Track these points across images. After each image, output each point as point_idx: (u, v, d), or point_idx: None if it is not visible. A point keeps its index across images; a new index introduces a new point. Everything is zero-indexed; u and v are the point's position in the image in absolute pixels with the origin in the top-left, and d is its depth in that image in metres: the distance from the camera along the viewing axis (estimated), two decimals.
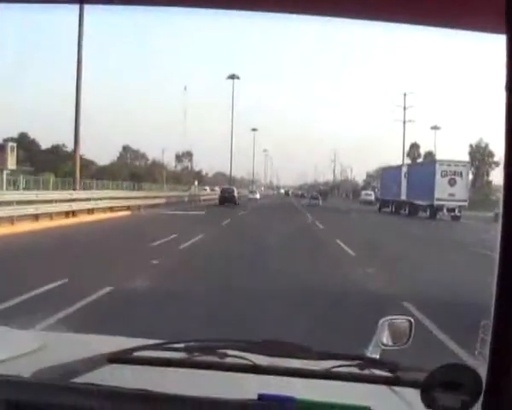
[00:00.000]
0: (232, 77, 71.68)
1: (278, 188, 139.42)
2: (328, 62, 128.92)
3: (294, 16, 1.49)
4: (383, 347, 2.22)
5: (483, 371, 1.40)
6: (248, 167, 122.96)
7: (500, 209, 1.33)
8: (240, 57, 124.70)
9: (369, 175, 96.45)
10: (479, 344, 1.90)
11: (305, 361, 1.85)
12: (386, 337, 2.22)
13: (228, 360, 1.79)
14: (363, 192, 79.30)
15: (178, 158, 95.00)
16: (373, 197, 70.84)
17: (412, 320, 2.28)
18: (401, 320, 2.30)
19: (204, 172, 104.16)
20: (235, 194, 52.37)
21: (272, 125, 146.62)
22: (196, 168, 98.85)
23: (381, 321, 2.25)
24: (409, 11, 1.40)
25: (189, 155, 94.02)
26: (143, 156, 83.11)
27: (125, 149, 79.57)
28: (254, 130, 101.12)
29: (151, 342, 1.92)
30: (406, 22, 1.45)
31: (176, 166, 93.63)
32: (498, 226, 1.32)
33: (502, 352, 1.33)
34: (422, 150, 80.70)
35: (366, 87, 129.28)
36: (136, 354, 1.81)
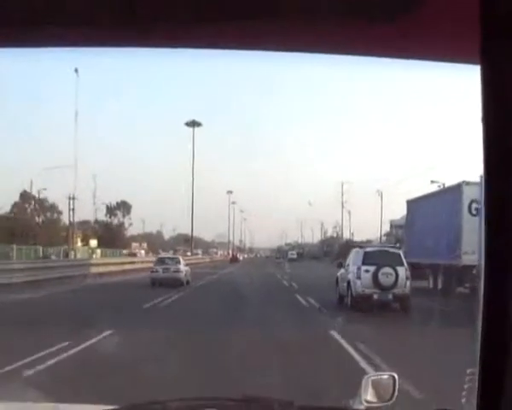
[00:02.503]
0: (193, 124, 60.04)
1: (252, 251, 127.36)
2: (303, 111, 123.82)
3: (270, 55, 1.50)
4: (367, 404, 2.18)
5: None
6: (220, 230, 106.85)
7: (482, 260, 1.35)
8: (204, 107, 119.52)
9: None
10: (465, 392, 1.87)
11: None
12: (370, 394, 2.18)
13: None
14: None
15: (110, 210, 75.45)
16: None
17: (396, 376, 2.25)
18: (384, 377, 2.26)
19: (154, 232, 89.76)
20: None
21: (247, 187, 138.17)
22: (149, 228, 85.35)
23: (365, 378, 2.21)
24: (381, 44, 1.41)
25: (124, 206, 75.60)
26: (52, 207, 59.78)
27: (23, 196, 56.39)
28: (229, 192, 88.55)
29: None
30: (379, 56, 1.48)
31: (109, 221, 75.25)
32: (481, 276, 1.32)
33: (490, 399, 1.30)
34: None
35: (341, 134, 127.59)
36: None
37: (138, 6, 1.32)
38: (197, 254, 62.94)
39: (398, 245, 27.16)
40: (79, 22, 1.34)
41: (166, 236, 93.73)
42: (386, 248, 21.97)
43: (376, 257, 19.43)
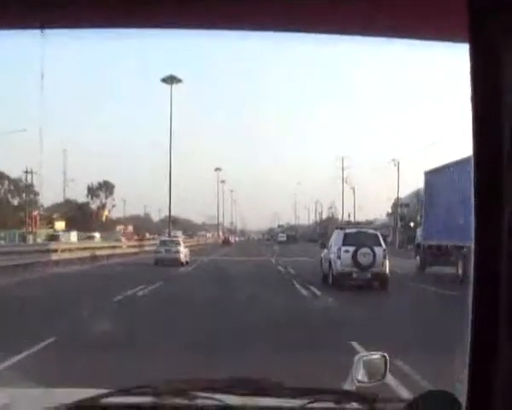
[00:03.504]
0: (170, 80, 49.83)
1: (243, 233, 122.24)
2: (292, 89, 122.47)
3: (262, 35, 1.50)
4: (358, 383, 2.19)
5: (462, 397, 1.39)
6: (210, 211, 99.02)
7: (472, 242, 1.35)
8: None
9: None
10: (456, 371, 1.89)
11: (279, 399, 1.81)
12: (361, 374, 2.20)
13: (198, 401, 1.73)
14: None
15: (91, 191, 71.87)
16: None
17: (387, 356, 2.26)
18: (376, 356, 2.28)
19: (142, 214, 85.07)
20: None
21: (238, 164, 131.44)
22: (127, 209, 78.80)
23: (356, 357, 2.23)
24: (367, 23, 1.42)
25: (106, 186, 71.42)
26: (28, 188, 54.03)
27: None
28: (218, 169, 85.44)
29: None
30: (367, 35, 1.49)
31: (90, 204, 71.91)
32: (471, 261, 1.34)
33: (480, 378, 1.31)
34: None
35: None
36: (103, 400, 1.74)
37: None
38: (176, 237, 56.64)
39: (404, 224, 28.27)
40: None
41: (156, 218, 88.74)
42: (364, 230, 23.21)
43: (355, 238, 20.73)
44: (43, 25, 1.41)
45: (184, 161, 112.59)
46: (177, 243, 32.91)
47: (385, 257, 20.15)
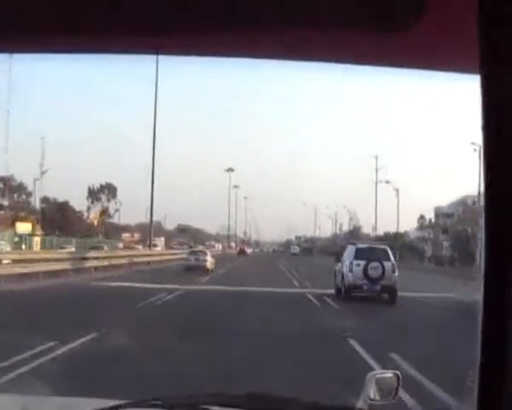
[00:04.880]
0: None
1: (258, 244, 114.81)
2: (308, 110, 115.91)
3: (275, 62, 1.56)
4: (370, 401, 2.21)
5: None
6: (225, 221, 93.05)
7: (482, 263, 1.33)
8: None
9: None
10: (466, 392, 1.92)
11: None
12: (373, 392, 2.22)
13: None
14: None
15: (92, 194, 65.20)
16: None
17: (399, 374, 2.29)
18: (388, 375, 2.30)
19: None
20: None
21: (253, 169, 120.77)
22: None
23: (368, 375, 2.25)
24: (382, 54, 1.44)
25: (109, 189, 64.51)
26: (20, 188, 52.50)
27: None
28: (230, 170, 79.12)
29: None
30: (376, 65, 1.53)
31: (89, 209, 64.98)
32: (481, 280, 1.37)
33: (489, 400, 1.33)
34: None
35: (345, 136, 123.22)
36: None
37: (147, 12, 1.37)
38: (155, 246, 54.20)
39: (455, 237, 27.34)
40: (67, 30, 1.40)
41: (170, 226, 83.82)
42: (375, 245, 25.12)
43: (366, 253, 22.42)
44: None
45: (197, 168, 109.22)
46: (205, 253, 38.07)
47: (393, 271, 21.54)
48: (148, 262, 41.17)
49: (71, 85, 78.38)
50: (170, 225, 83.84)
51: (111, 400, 2.06)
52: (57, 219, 53.76)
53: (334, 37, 1.38)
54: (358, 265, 21.58)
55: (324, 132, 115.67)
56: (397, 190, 60.06)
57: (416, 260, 55.96)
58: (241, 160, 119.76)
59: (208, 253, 38.93)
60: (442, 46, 1.38)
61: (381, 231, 69.07)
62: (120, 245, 55.65)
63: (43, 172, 52.30)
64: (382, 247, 23.84)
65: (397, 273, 21.63)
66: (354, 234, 74.43)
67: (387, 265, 21.61)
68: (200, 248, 45.63)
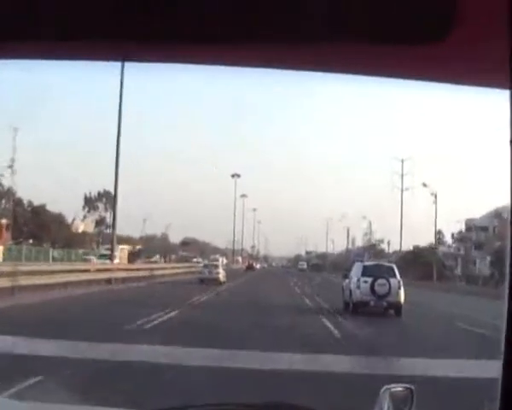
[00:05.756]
0: None
1: (266, 259, 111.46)
2: (324, 122, 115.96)
3: (285, 73, 1.58)
4: None
5: None
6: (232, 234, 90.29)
7: (506, 285, 1.35)
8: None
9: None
10: (487, 400, 1.91)
11: None
12: (387, 406, 2.23)
13: None
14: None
15: (89, 202, 60.90)
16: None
17: (413, 388, 2.29)
18: (402, 389, 2.31)
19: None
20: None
21: (262, 179, 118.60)
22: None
23: (382, 390, 2.25)
24: (409, 66, 1.45)
25: (107, 197, 58.34)
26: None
27: None
28: (236, 176, 77.95)
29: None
30: (405, 78, 1.55)
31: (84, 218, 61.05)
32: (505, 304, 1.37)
33: None
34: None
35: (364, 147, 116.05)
36: None
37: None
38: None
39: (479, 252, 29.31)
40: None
41: (175, 239, 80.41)
42: (381, 263, 26.55)
43: (373, 270, 23.57)
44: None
45: (205, 180, 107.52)
46: (217, 267, 42.24)
47: (399, 288, 22.58)
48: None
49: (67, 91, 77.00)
50: (176, 239, 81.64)
51: (122, 409, 2.05)
52: (30, 225, 47.59)
53: (360, 49, 1.40)
54: (366, 281, 22.52)
55: (341, 139, 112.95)
56: (435, 195, 53.14)
57: (443, 278, 51.68)
58: (250, 169, 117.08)
59: (220, 266, 43.73)
60: (471, 60, 1.40)
61: (404, 245, 62.84)
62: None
63: (10, 166, 46.29)
64: (388, 264, 25.09)
65: (402, 290, 22.66)
66: (370, 249, 70.50)
67: (393, 282, 22.59)
68: (212, 261, 48.98)
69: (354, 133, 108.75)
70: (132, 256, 55.17)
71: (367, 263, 24.99)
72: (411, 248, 62.57)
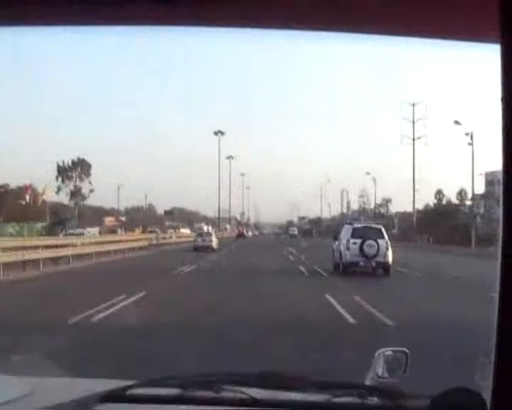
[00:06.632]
0: None
1: (257, 227, 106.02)
2: (322, 79, 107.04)
3: (282, 31, 1.55)
4: (379, 379, 2.23)
5: (487, 394, 1.43)
6: (222, 204, 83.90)
7: (499, 242, 1.35)
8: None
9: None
10: (479, 368, 1.93)
11: (304, 393, 1.86)
12: (381, 369, 2.24)
13: (224, 394, 1.78)
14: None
15: (62, 172, 57.01)
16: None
17: (407, 352, 2.31)
18: (396, 352, 2.32)
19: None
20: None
21: (250, 140, 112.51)
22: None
23: (376, 353, 2.27)
24: (401, 23, 1.46)
25: (81, 165, 55.66)
26: None
27: None
28: (220, 133, 72.44)
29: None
30: (399, 34, 1.52)
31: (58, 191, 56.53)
32: (498, 259, 1.34)
33: (505, 375, 1.34)
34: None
35: (363, 105, 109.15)
36: (129, 392, 1.79)
37: None
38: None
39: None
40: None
41: (161, 210, 78.94)
42: (369, 225, 26.95)
43: (362, 232, 24.34)
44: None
45: (189, 142, 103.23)
46: (210, 235, 44.97)
47: (387, 248, 23.57)
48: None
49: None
50: (164, 209, 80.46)
51: (122, 380, 2.06)
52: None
53: (347, 4, 1.37)
54: (355, 243, 23.53)
55: (336, 86, 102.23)
56: (470, 135, 44.61)
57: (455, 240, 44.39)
58: (236, 129, 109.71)
59: (213, 234, 46.01)
60: (462, 15, 1.37)
61: (414, 205, 56.36)
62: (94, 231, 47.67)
63: None
64: (377, 226, 25.94)
65: (390, 251, 23.60)
66: (364, 213, 66.14)
67: (382, 243, 23.53)
68: (206, 231, 51.22)
69: (352, 81, 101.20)
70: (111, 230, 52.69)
71: (356, 225, 25.68)
72: (420, 208, 57.99)
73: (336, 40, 1.61)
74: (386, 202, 69.42)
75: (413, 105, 54.55)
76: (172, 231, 59.93)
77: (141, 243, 41.62)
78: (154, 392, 1.84)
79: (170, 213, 77.02)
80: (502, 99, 1.30)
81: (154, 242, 45.10)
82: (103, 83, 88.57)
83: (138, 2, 1.41)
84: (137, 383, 1.88)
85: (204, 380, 1.88)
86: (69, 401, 1.80)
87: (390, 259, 23.54)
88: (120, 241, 39.17)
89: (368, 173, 64.53)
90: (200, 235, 45.63)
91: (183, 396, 1.80)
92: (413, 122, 54.56)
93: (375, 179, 64.89)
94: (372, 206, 71.11)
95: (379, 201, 70.32)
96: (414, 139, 54.34)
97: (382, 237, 24.08)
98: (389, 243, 24.12)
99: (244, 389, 1.78)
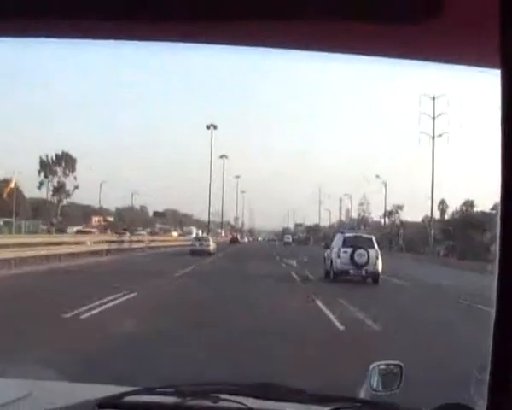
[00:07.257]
0: None
1: (252, 233, 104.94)
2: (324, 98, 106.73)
3: (286, 51, 1.56)
4: (373, 392, 2.24)
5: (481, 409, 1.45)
6: (216, 207, 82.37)
7: (497, 248, 1.34)
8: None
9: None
10: (474, 384, 1.94)
11: (300, 405, 1.88)
12: (376, 382, 2.26)
13: (221, 404, 1.79)
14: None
15: (45, 166, 54.71)
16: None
17: (402, 365, 2.33)
18: (391, 365, 2.34)
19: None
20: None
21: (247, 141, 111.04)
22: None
23: (371, 366, 2.29)
24: (404, 46, 1.45)
25: (66, 160, 53.38)
26: None
27: None
28: (212, 126, 68.66)
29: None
30: (402, 57, 1.55)
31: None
32: (495, 273, 1.34)
33: (500, 391, 1.34)
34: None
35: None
36: (126, 399, 1.80)
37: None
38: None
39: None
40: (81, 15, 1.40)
41: (152, 211, 76.80)
42: (360, 234, 28.18)
43: (353, 241, 25.15)
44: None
45: (180, 129, 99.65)
46: (208, 239, 45.57)
47: (377, 258, 24.16)
48: None
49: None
50: (153, 210, 77.88)
51: (120, 387, 2.07)
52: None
53: (347, 27, 1.39)
54: (346, 252, 24.17)
55: (341, 80, 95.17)
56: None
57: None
58: (232, 129, 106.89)
59: (210, 239, 46.75)
60: (462, 39, 1.39)
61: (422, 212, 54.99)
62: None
63: None
64: (367, 236, 27.01)
65: (380, 260, 24.21)
66: (362, 220, 63.42)
67: (372, 252, 24.20)
68: (203, 235, 53.07)
69: (357, 76, 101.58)
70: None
71: (347, 234, 26.50)
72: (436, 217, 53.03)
73: (331, 60, 1.63)
74: (397, 208, 64.70)
75: (433, 98, 52.16)
76: (144, 233, 54.45)
77: (96, 247, 33.68)
78: (151, 400, 1.85)
79: (161, 215, 75.01)
80: (501, 122, 1.33)
81: (115, 247, 36.63)
82: (99, 83, 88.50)
83: (138, 19, 1.43)
84: (134, 390, 1.89)
85: (201, 390, 1.89)
86: (65, 406, 1.81)
87: (380, 268, 24.15)
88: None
89: (377, 176, 60.90)
90: (197, 239, 46.83)
91: (181, 406, 1.81)
92: (433, 118, 52.21)
93: (385, 183, 60.97)
94: (373, 214, 68.89)
95: (389, 207, 65.13)
96: (434, 137, 52.24)
97: (373, 247, 24.73)
98: (379, 252, 24.77)
99: (241, 400, 1.80)
